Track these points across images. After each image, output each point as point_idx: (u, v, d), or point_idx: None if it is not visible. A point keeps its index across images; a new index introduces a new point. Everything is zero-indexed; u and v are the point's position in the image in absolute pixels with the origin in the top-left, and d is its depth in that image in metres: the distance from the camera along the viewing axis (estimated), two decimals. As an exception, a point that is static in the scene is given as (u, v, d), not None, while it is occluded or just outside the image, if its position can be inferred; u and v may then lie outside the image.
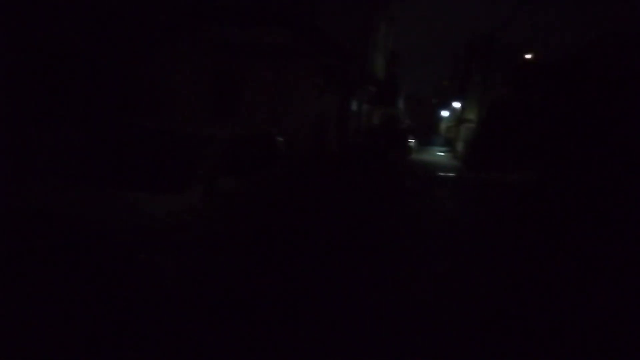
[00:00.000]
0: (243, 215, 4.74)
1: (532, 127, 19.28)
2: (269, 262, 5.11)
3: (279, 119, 8.57)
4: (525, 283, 5.38)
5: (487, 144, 21.59)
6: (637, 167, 10.03)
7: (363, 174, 10.81)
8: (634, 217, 8.85)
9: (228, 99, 8.94)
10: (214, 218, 4.07)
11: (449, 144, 35.88)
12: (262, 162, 5.44)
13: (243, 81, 8.84)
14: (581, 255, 6.81)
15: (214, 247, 4.07)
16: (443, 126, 46.87)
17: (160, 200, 3.61)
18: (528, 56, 21.43)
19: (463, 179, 17.07)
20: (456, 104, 32.06)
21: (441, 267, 5.72)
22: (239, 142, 4.87)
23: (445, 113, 44.29)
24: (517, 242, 7.50)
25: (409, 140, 26.68)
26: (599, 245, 7.48)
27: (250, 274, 4.73)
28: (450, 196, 12.35)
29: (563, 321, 4.33)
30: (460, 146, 27.97)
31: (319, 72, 10.62)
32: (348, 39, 12.93)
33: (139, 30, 8.22)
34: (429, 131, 45.04)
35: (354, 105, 15.76)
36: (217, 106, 8.90)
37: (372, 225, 7.70)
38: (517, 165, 18.07)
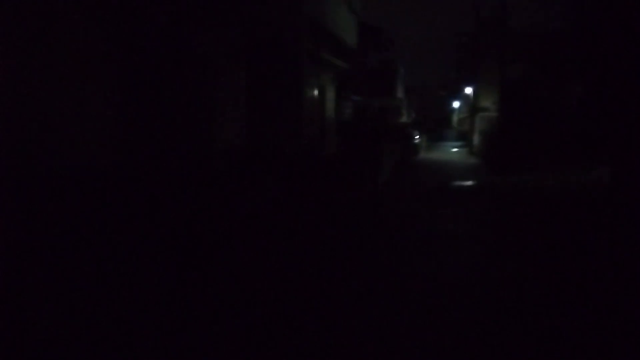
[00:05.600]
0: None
1: (573, 108, 14.59)
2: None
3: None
4: None
5: (512, 135, 16.61)
6: None
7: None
8: None
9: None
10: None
11: (463, 137, 32.46)
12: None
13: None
14: None
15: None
16: (455, 118, 42.65)
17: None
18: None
19: (488, 188, 12.15)
20: (468, 90, 27.30)
21: None
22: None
23: (456, 104, 39.61)
24: None
25: (414, 136, 22.19)
26: None
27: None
28: (472, 229, 7.72)
29: None
30: (476, 139, 23.84)
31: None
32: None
33: None
34: (439, 125, 40.98)
35: (310, 88, 9.92)
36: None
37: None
38: (559, 161, 13.33)
